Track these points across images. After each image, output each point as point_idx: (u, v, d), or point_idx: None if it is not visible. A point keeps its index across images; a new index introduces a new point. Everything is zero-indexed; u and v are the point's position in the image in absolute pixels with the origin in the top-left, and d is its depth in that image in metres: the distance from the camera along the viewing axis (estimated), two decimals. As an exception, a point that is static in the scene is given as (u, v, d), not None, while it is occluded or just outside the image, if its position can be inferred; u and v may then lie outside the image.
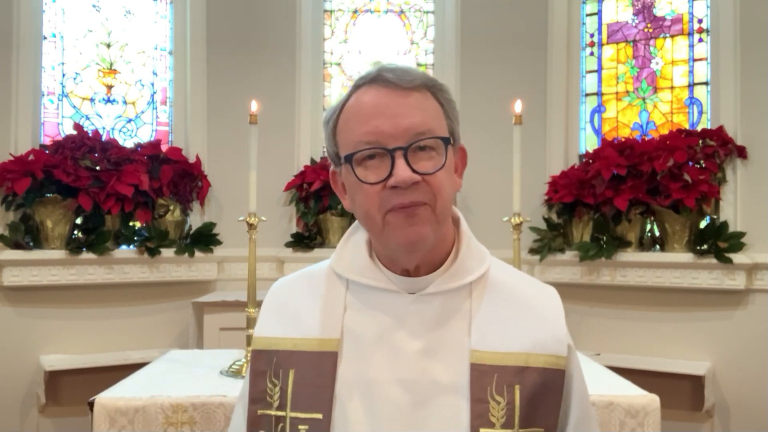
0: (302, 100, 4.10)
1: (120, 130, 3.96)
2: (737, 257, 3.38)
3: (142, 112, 4.03)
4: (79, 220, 3.61)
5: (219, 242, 3.92)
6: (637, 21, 4.00)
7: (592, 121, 4.07)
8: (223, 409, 1.88)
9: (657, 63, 3.93)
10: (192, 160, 3.92)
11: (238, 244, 3.68)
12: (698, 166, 3.54)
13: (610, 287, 3.71)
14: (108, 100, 3.93)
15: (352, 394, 1.02)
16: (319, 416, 1.02)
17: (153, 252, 3.67)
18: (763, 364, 3.38)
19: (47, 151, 3.53)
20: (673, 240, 3.57)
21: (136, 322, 3.73)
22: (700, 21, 3.80)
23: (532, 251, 3.82)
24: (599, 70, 4.07)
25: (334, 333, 1.06)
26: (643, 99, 3.97)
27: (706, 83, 3.76)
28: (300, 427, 1.03)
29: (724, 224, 3.49)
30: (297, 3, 4.09)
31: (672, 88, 3.89)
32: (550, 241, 3.80)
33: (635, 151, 3.60)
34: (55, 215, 3.47)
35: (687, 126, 3.80)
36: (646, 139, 3.80)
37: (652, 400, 1.91)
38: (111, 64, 3.94)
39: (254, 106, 2.27)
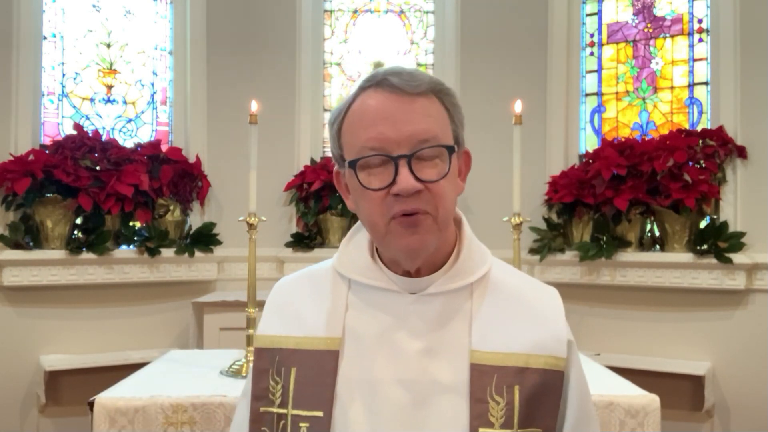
0: (302, 100, 4.10)
1: (120, 130, 3.96)
2: (737, 257, 3.39)
3: (142, 112, 4.03)
4: (79, 220, 3.61)
5: (219, 242, 3.92)
6: (637, 21, 4.00)
7: (592, 121, 4.07)
8: (223, 409, 1.88)
9: (657, 63, 3.93)
10: (192, 160, 3.92)
11: (238, 244, 3.68)
12: (698, 166, 3.54)
13: (610, 287, 3.71)
14: (108, 100, 3.93)
15: (353, 392, 1.03)
16: (320, 414, 1.03)
17: (153, 252, 3.67)
18: (763, 364, 3.38)
19: (47, 151, 3.53)
20: (673, 240, 3.57)
21: (136, 322, 3.73)
22: (700, 21, 3.80)
23: (532, 251, 3.82)
24: (599, 70, 4.07)
25: (336, 332, 1.07)
26: (643, 99, 3.97)
27: (706, 83, 3.76)
28: (301, 424, 1.04)
29: (724, 224, 3.49)
30: (297, 3, 4.09)
31: (672, 88, 3.89)
32: (550, 241, 3.80)
33: (635, 151, 3.60)
34: (55, 215, 3.47)
35: (687, 126, 3.80)
36: (646, 139, 3.80)
37: (652, 400, 1.91)
38: (111, 64, 3.94)
39: (254, 106, 2.27)
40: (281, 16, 4.09)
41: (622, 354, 3.59)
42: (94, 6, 3.90)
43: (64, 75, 3.81)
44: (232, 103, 3.85)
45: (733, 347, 3.47)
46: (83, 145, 3.56)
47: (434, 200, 0.99)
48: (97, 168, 3.54)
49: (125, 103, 3.98)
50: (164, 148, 3.89)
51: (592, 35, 4.09)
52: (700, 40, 3.79)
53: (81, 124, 3.76)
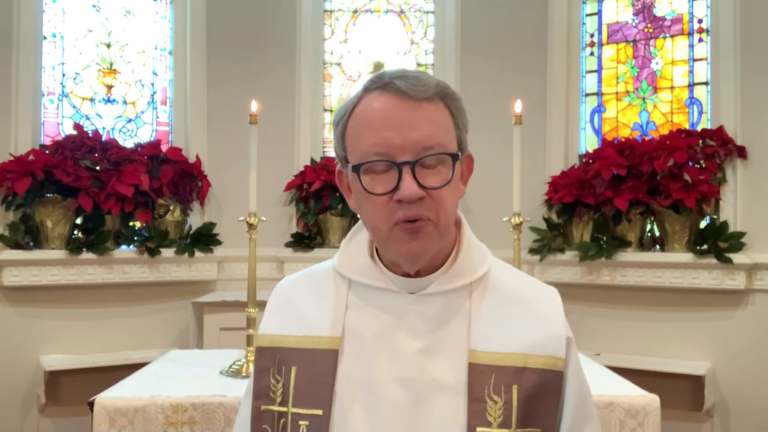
0: (302, 100, 4.10)
1: (120, 130, 3.96)
2: (737, 257, 3.39)
3: (142, 112, 4.03)
4: (79, 220, 3.61)
5: (219, 242, 3.92)
6: (637, 21, 4.00)
7: (592, 121, 4.07)
8: (223, 409, 1.89)
9: (657, 63, 3.93)
10: (192, 160, 3.92)
11: (238, 244, 3.68)
12: (698, 166, 3.54)
13: (610, 287, 3.71)
14: (108, 100, 3.93)
15: (352, 391, 1.04)
16: (319, 412, 1.04)
17: (153, 252, 3.67)
18: (763, 364, 3.38)
19: (47, 151, 3.53)
20: (673, 240, 3.57)
21: (136, 322, 3.73)
22: (700, 21, 3.80)
23: (532, 251, 3.82)
24: (599, 70, 4.07)
25: (336, 331, 1.07)
26: (643, 99, 3.97)
27: (706, 83, 3.76)
28: (301, 422, 1.05)
29: (724, 224, 3.49)
30: (297, 3, 4.09)
31: (672, 88, 3.89)
32: (550, 241, 3.80)
33: (635, 151, 3.60)
34: (55, 215, 3.47)
35: (687, 126, 3.80)
36: (646, 139, 3.80)
37: (652, 400, 1.91)
38: (111, 64, 3.94)
39: (254, 106, 2.27)
40: (281, 16, 4.09)
41: (622, 354, 3.59)
42: (94, 6, 3.90)
43: (64, 75, 3.81)
44: (232, 103, 3.85)
45: (733, 347, 3.47)
46: (83, 145, 3.56)
47: (436, 207, 1.00)
48: (97, 168, 3.54)
49: (125, 103, 3.98)
50: (164, 148, 3.89)
51: (592, 35, 4.09)
52: (700, 40, 3.79)
53: (81, 124, 3.76)
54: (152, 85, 4.06)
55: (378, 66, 4.11)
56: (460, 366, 1.03)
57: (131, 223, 3.73)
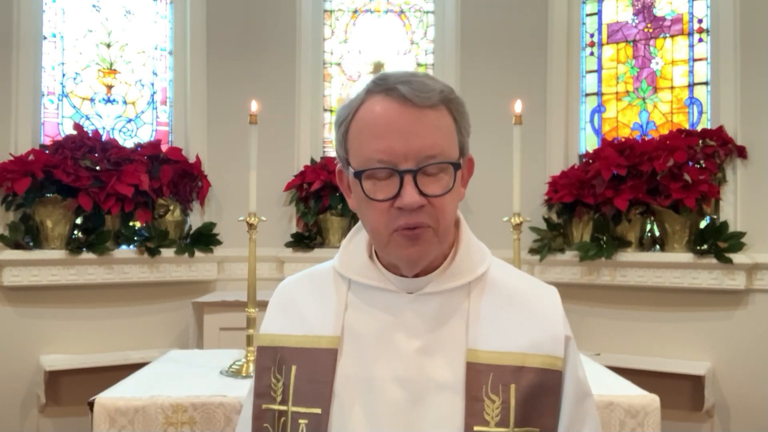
0: (302, 100, 4.10)
1: (120, 130, 3.96)
2: (737, 257, 3.39)
3: (142, 112, 4.03)
4: (79, 220, 3.61)
5: (219, 242, 3.92)
6: (637, 21, 4.00)
7: (592, 121, 4.07)
8: (223, 409, 1.89)
9: (657, 63, 3.93)
10: (192, 160, 3.92)
11: (238, 244, 3.68)
12: (698, 166, 3.54)
13: (610, 287, 3.71)
14: (108, 100, 3.93)
15: (351, 390, 1.04)
16: (318, 411, 1.05)
17: (153, 252, 3.67)
18: (763, 364, 3.38)
19: (47, 151, 3.53)
20: (673, 240, 3.57)
21: (136, 322, 3.73)
22: (700, 21, 3.80)
23: (532, 251, 3.82)
24: (599, 70, 4.07)
25: (335, 331, 1.08)
26: (643, 99, 3.97)
27: (706, 83, 3.75)
28: (300, 421, 1.06)
29: (724, 224, 3.49)
30: (297, 3, 4.09)
31: (672, 88, 3.89)
32: (550, 241, 3.81)
33: (635, 151, 3.60)
34: (55, 215, 3.47)
35: (687, 126, 3.80)
36: (646, 139, 3.80)
37: (652, 400, 1.91)
38: (111, 64, 3.94)
39: (254, 106, 2.27)
40: (281, 16, 4.09)
41: (622, 354, 3.59)
42: (94, 6, 3.90)
43: (64, 75, 3.81)
44: (232, 103, 3.85)
45: (733, 347, 3.47)
46: (83, 145, 3.56)
47: (436, 214, 1.00)
48: (97, 168, 3.54)
49: (125, 103, 3.98)
50: (164, 148, 3.89)
51: (592, 35, 4.09)
52: (700, 40, 3.79)
53: (81, 124, 3.76)
54: (152, 85, 4.06)
55: (378, 66, 4.11)
56: (458, 365, 1.03)
57: (131, 223, 3.73)
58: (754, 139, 3.48)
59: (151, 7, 4.03)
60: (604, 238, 3.67)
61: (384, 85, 1.01)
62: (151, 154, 3.76)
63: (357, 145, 1.02)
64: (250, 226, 2.24)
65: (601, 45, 4.07)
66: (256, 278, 2.28)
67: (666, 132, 3.77)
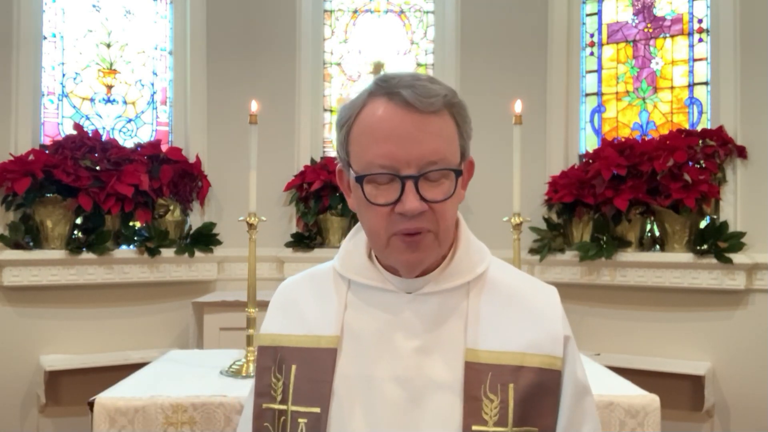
0: (302, 100, 4.10)
1: (120, 130, 3.96)
2: (737, 257, 3.38)
3: (142, 112, 4.03)
4: (79, 220, 3.60)
5: (219, 242, 3.92)
6: (637, 21, 4.00)
7: (592, 121, 4.07)
8: (223, 409, 1.89)
9: (657, 63, 3.93)
10: (192, 160, 3.92)
11: (238, 244, 3.68)
12: (698, 166, 3.54)
13: (610, 287, 3.71)
14: (108, 100, 3.93)
15: (350, 389, 1.05)
16: (317, 410, 1.05)
17: (153, 252, 3.67)
18: (763, 364, 3.38)
19: (47, 151, 3.53)
20: (673, 240, 3.57)
21: (136, 322, 3.73)
22: (700, 21, 3.80)
23: (532, 251, 3.82)
24: (599, 70, 4.07)
25: (335, 330, 1.08)
26: (643, 99, 3.97)
27: (706, 83, 3.75)
28: (300, 420, 1.06)
29: (724, 224, 3.49)
30: (297, 3, 4.09)
31: (672, 88, 3.89)
32: (550, 241, 3.81)
33: (635, 151, 3.60)
34: (55, 215, 3.47)
35: (687, 126, 3.80)
36: (646, 139, 3.80)
37: (652, 400, 1.91)
38: (111, 64, 3.94)
39: (254, 106, 2.27)
40: (281, 16, 4.09)
41: (622, 354, 3.59)
42: (94, 6, 3.90)
43: (64, 75, 3.81)
44: (232, 103, 3.85)
45: (733, 347, 3.47)
46: (83, 145, 3.56)
47: (437, 218, 1.01)
48: (97, 168, 3.54)
49: (125, 103, 3.98)
50: (164, 148, 3.89)
51: (592, 35, 4.09)
52: (700, 40, 3.79)
53: (81, 124, 3.76)
54: (152, 85, 4.06)
55: (378, 66, 4.11)
56: (456, 365, 1.03)
57: (131, 223, 3.73)
58: (754, 139, 3.48)
59: (151, 7, 4.03)
60: (604, 238, 3.67)
61: (387, 88, 1.00)
62: (151, 154, 3.76)
63: (359, 149, 1.02)
64: (250, 226, 2.24)
65: (601, 45, 4.07)
66: (256, 278, 2.28)
67: (666, 132, 3.77)
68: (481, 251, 1.12)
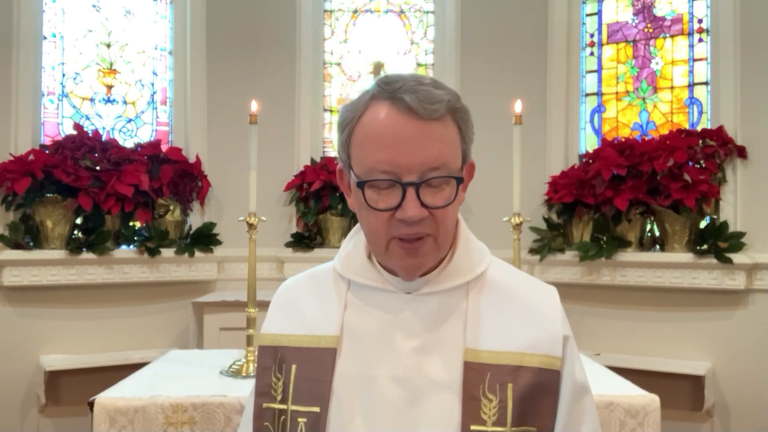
0: (302, 100, 4.10)
1: (120, 130, 3.96)
2: (737, 257, 3.38)
3: (142, 112, 4.03)
4: (79, 220, 3.61)
5: (219, 242, 3.92)
6: (637, 21, 4.00)
7: (592, 121, 4.07)
8: (223, 409, 1.89)
9: (657, 63, 3.93)
10: (192, 160, 3.92)
11: (238, 244, 3.68)
12: (698, 166, 3.54)
13: (610, 287, 3.71)
14: (108, 100, 3.93)
15: (349, 389, 1.05)
16: (317, 410, 1.05)
17: (153, 252, 3.67)
18: (763, 364, 3.38)
19: (47, 151, 3.53)
20: (673, 240, 3.57)
21: (136, 322, 3.73)
22: (700, 21, 3.80)
23: (532, 251, 3.82)
24: (599, 70, 4.07)
25: (335, 330, 1.09)
26: (643, 99, 3.97)
27: (706, 83, 3.75)
28: (299, 419, 1.06)
29: (724, 224, 3.49)
30: (297, 3, 4.09)
31: (672, 88, 3.89)
32: (550, 241, 3.80)
33: (635, 151, 3.60)
34: (55, 215, 3.47)
35: (687, 126, 3.80)
36: (646, 139, 3.80)
37: (652, 400, 1.91)
38: (111, 64, 3.94)
39: (254, 106, 2.27)
40: (281, 16, 4.09)
41: (622, 354, 3.59)
42: (94, 6, 3.90)
43: (64, 75, 3.81)
44: (232, 103, 3.85)
45: (733, 347, 3.47)
46: (83, 145, 3.56)
47: (437, 224, 1.01)
48: (97, 168, 3.54)
49: (125, 103, 3.98)
50: (164, 148, 3.89)
51: (592, 35, 4.09)
52: (700, 40, 3.79)
53: (81, 124, 3.76)
54: (152, 85, 4.06)
55: (378, 66, 4.11)
56: (455, 364, 1.03)
57: (131, 223, 3.73)
58: (754, 139, 3.48)
59: (151, 7, 4.03)
60: (604, 238, 3.67)
61: (389, 92, 0.99)
62: (151, 154, 3.76)
63: (360, 153, 1.01)
64: (250, 226, 2.24)
65: (601, 45, 4.07)
66: (256, 278, 2.28)
67: (666, 132, 3.77)
68: (480, 251, 1.12)
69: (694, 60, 3.81)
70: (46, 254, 3.46)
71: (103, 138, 3.73)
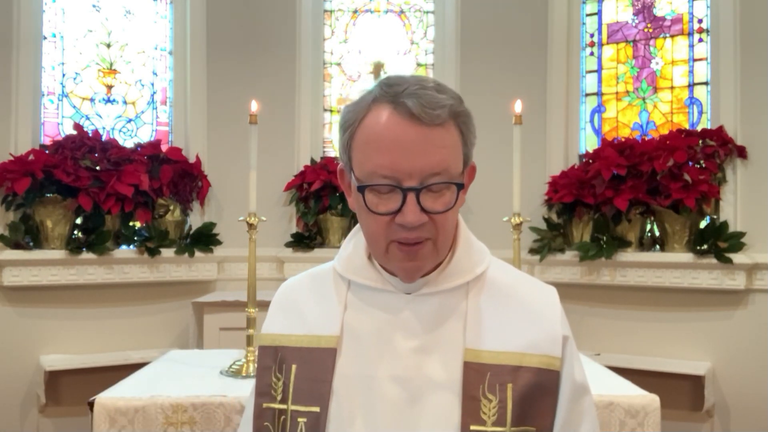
0: (302, 100, 4.10)
1: (120, 130, 3.96)
2: (737, 257, 3.38)
3: (142, 112, 4.03)
4: (79, 220, 3.61)
5: (219, 242, 3.92)
6: (637, 21, 4.00)
7: (592, 121, 4.07)
8: (223, 409, 1.89)
9: (657, 63, 3.93)
10: (192, 160, 3.92)
11: (238, 244, 3.68)
12: (698, 166, 3.54)
13: (610, 287, 3.71)
14: (108, 100, 3.93)
15: (349, 389, 1.05)
16: (317, 410, 1.05)
17: (153, 252, 3.67)
18: (763, 364, 3.38)
19: (47, 151, 3.53)
20: (673, 240, 3.57)
21: (136, 322, 3.73)
22: (700, 21, 3.80)
23: (532, 251, 3.82)
24: (599, 70, 4.07)
25: (335, 330, 1.09)
26: (643, 99, 3.97)
27: (706, 83, 3.75)
28: (299, 419, 1.06)
29: (724, 224, 3.49)
30: (297, 3, 4.09)
31: (672, 88, 3.89)
32: (550, 241, 3.80)
33: (635, 151, 3.60)
34: (55, 215, 3.47)
35: (687, 126, 3.80)
36: (646, 139, 3.80)
37: (652, 400, 1.91)
38: (111, 64, 3.94)
39: (254, 106, 2.27)
40: (281, 16, 4.09)
41: (622, 354, 3.59)
42: (94, 6, 3.90)
43: (64, 75, 3.81)
44: (232, 103, 3.85)
45: (733, 347, 3.47)
46: (83, 145, 3.56)
47: (436, 228, 1.01)
48: (97, 168, 3.54)
49: (125, 103, 3.98)
50: (164, 148, 3.89)
51: (592, 35, 4.09)
52: (700, 40, 3.79)
53: (81, 124, 3.76)
54: (152, 85, 4.06)
55: (378, 66, 4.11)
56: (455, 365, 1.04)
57: (131, 223, 3.73)
58: (754, 139, 3.48)
59: (151, 7, 4.03)
60: (604, 238, 3.67)
61: (391, 94, 0.99)
62: (151, 154, 3.76)
63: (361, 156, 1.01)
64: (250, 226, 2.24)
65: (601, 45, 4.07)
66: (256, 278, 2.27)
67: (666, 132, 3.77)
68: (480, 251, 1.12)
69: (694, 60, 3.81)
70: (46, 254, 3.46)
71: (103, 138, 3.73)
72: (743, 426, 3.44)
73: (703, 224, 3.61)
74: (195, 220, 3.96)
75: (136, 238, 3.71)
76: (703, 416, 3.48)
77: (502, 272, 1.13)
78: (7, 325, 3.47)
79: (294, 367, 1.09)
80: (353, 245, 1.14)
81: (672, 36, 3.89)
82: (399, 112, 0.97)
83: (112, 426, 1.85)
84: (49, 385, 3.43)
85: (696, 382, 3.44)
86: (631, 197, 3.51)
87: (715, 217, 3.58)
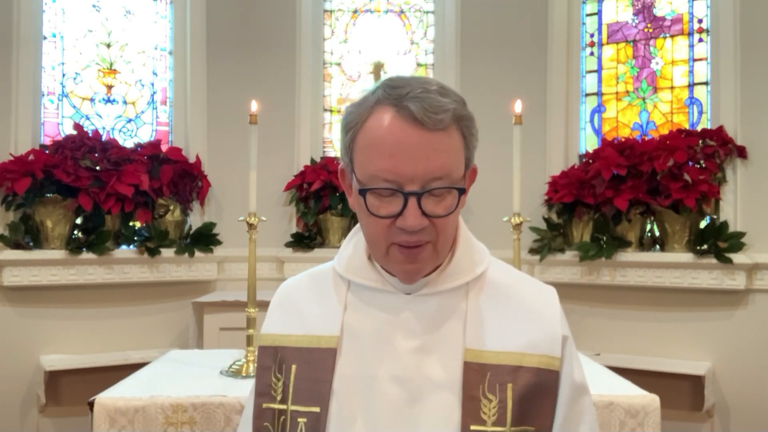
0: (302, 100, 4.10)
1: (120, 130, 3.96)
2: (737, 257, 3.38)
3: (142, 112, 4.03)
4: (79, 220, 3.61)
5: (219, 242, 3.92)
6: (637, 21, 4.00)
7: (592, 121, 4.07)
8: (223, 409, 1.89)
9: (657, 63, 3.93)
10: (192, 160, 3.92)
11: (238, 244, 3.68)
12: (698, 166, 3.54)
13: (610, 287, 3.71)
14: (108, 100, 3.93)
15: (349, 389, 1.05)
16: (317, 410, 1.05)
17: (153, 252, 3.67)
18: (763, 364, 3.38)
19: (47, 151, 3.53)
20: (673, 240, 3.57)
21: (136, 322, 3.73)
22: (700, 21, 3.80)
23: (532, 251, 3.82)
24: (599, 70, 4.07)
25: (335, 331, 1.09)
26: (643, 99, 3.97)
27: (706, 83, 3.75)
28: (299, 419, 1.06)
29: (724, 224, 3.49)
30: (297, 3, 4.09)
31: (672, 88, 3.89)
32: (550, 241, 3.81)
33: (635, 151, 3.60)
34: (55, 215, 3.47)
35: (687, 126, 3.80)
36: (646, 139, 3.80)
37: (652, 400, 1.91)
38: (111, 64, 3.94)
39: (254, 106, 2.27)
40: (281, 16, 4.09)
41: (622, 354, 3.59)
42: (94, 6, 3.90)
43: (64, 75, 3.81)
44: (232, 103, 3.85)
45: (733, 347, 3.47)
46: (83, 145, 3.56)
47: (437, 231, 1.01)
48: (97, 168, 3.54)
49: (125, 103, 3.98)
50: (164, 148, 3.89)
51: (592, 35, 4.09)
52: (700, 40, 3.79)
53: (81, 124, 3.76)
54: (152, 85, 4.06)
55: (378, 66, 4.11)
56: (455, 365, 1.04)
57: (131, 223, 3.73)
58: (754, 139, 3.48)
59: (151, 7, 4.03)
60: (604, 238, 3.67)
61: (395, 97, 0.98)
62: (151, 154, 3.76)
63: (363, 158, 1.01)
64: (250, 226, 2.24)
65: (601, 45, 4.07)
66: (256, 278, 2.28)
67: (666, 132, 3.77)
68: (480, 252, 1.12)
69: (694, 60, 3.81)
70: (46, 254, 3.46)
71: (103, 138, 3.73)
72: (743, 426, 3.44)
73: (703, 224, 3.61)
74: (195, 220, 3.96)
75: (136, 238, 3.71)
76: (703, 416, 3.48)
77: (501, 272, 1.13)
78: (7, 325, 3.47)
79: (294, 367, 1.09)
80: (353, 245, 1.14)
81: (672, 36, 3.89)
82: (402, 116, 0.97)
83: (112, 426, 1.85)
84: (49, 385, 3.43)
85: (696, 382, 3.44)
86: (631, 197, 3.51)
87: (715, 217, 3.58)
